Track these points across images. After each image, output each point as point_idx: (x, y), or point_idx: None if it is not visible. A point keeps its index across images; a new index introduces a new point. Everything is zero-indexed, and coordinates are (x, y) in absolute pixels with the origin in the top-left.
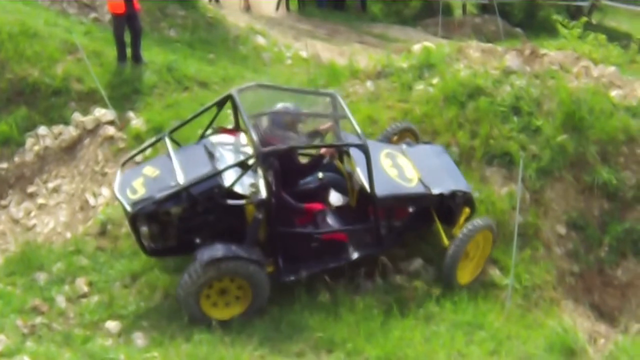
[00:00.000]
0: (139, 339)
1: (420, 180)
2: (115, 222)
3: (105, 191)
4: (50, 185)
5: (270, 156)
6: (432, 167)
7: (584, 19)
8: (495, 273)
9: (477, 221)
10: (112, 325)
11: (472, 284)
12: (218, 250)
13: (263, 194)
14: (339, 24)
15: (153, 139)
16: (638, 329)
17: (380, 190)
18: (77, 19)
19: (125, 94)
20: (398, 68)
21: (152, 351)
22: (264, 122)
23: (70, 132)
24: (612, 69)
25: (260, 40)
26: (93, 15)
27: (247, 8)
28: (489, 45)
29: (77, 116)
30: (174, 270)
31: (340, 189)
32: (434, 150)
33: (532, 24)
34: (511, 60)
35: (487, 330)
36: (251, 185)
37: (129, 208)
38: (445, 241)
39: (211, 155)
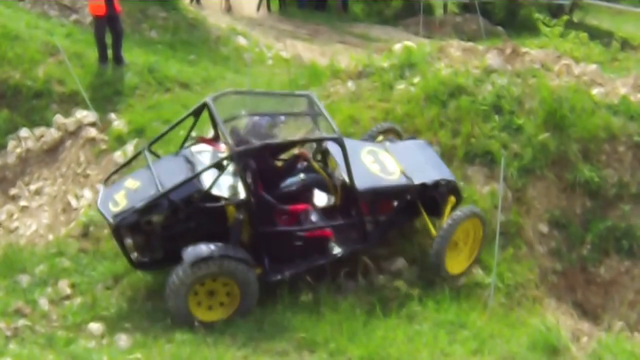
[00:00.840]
0: (122, 340)
1: (403, 173)
2: (98, 224)
3: (87, 193)
4: (33, 187)
5: (245, 155)
6: (414, 160)
7: (566, 17)
8: (477, 272)
9: (463, 209)
10: (95, 326)
11: (455, 283)
12: (204, 249)
13: (242, 194)
14: (320, 24)
15: (133, 154)
16: (621, 326)
17: (361, 184)
18: (58, 21)
19: (106, 95)
20: (379, 68)
21: (135, 352)
22: (241, 128)
23: (52, 134)
24: (593, 67)
25: (242, 41)
26: (74, 17)
27: (228, 9)
28: (470, 44)
29: (58, 118)
30: (156, 272)
31: (325, 190)
32: (417, 144)
33: (514, 23)
34: (492, 59)
35: (470, 329)
36: (230, 187)
37: (110, 220)
38: (433, 232)
39: (191, 164)
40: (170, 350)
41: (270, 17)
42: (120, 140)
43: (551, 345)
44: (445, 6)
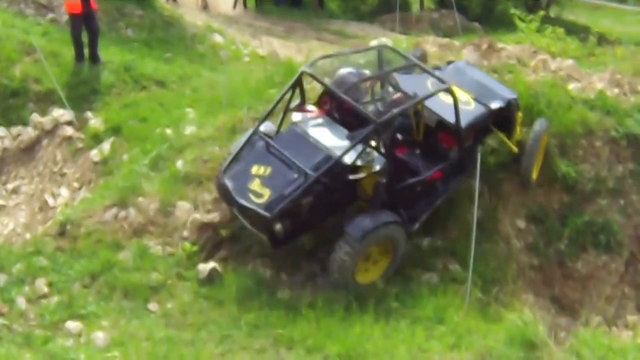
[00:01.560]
0: (99, 338)
1: (476, 100)
2: (74, 222)
3: (64, 191)
4: (10, 186)
5: (387, 125)
6: (475, 85)
7: (542, 12)
8: (454, 267)
9: (540, 124)
10: (73, 325)
11: (432, 279)
12: (366, 222)
13: (380, 161)
14: (296, 21)
15: (245, 138)
16: (599, 321)
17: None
18: (35, 20)
19: (83, 94)
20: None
21: (112, 350)
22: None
23: (29, 133)
24: (569, 62)
25: (218, 38)
26: (50, 16)
27: (205, 7)
28: (447, 40)
29: (35, 117)
30: (133, 270)
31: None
32: (462, 67)
33: (490, 19)
34: (468, 54)
35: (447, 324)
36: (365, 155)
37: (266, 213)
38: (513, 147)
39: (310, 137)
40: (147, 349)
41: (246, 14)
42: (96, 139)
43: (529, 340)
44: (421, 2)
